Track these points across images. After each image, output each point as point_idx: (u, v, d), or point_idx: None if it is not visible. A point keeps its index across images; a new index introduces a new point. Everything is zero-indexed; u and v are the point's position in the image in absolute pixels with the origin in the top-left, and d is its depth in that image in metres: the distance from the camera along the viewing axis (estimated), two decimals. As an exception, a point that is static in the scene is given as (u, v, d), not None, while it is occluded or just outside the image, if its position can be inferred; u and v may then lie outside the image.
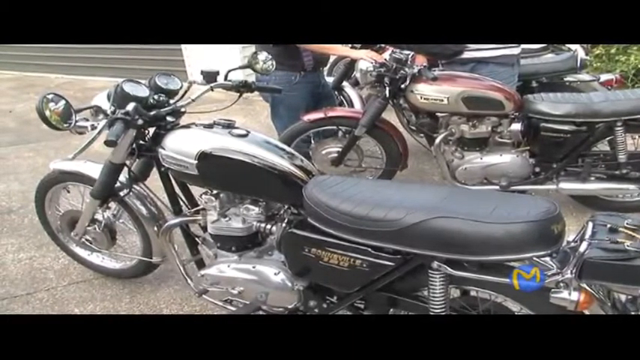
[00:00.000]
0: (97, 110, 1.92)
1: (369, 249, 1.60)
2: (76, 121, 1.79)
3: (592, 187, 2.90)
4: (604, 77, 3.91)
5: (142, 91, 1.98)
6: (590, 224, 1.43)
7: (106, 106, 1.93)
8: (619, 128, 2.74)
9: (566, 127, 2.78)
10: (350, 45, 4.07)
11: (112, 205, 2.42)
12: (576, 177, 2.91)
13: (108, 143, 1.73)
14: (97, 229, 2.45)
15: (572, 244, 1.42)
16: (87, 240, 2.55)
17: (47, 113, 1.70)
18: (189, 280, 2.26)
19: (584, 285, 1.34)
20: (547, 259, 1.43)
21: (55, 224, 2.75)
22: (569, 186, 2.92)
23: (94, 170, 2.30)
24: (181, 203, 2.19)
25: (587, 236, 1.38)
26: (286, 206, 1.93)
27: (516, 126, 2.90)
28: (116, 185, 2.26)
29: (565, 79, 3.83)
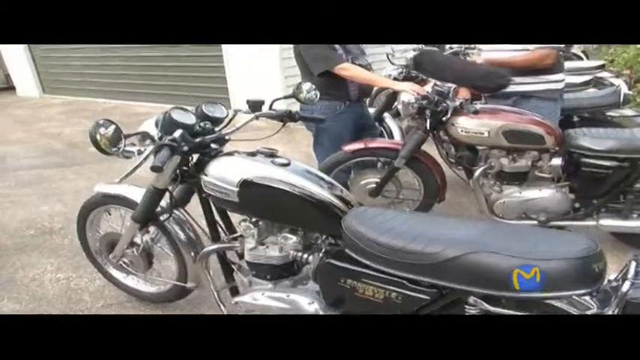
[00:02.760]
0: (145, 136, 1.98)
1: (405, 282, 1.59)
2: (125, 146, 1.84)
3: (634, 224, 2.82)
4: (648, 113, 3.82)
5: (189, 119, 2.03)
6: (634, 263, 1.40)
7: (154, 132, 1.98)
8: (663, 165, 2.67)
9: (607, 163, 2.72)
10: (393, 77, 4.10)
11: (152, 229, 2.45)
12: (618, 214, 2.84)
13: (154, 169, 1.77)
14: (135, 252, 2.48)
15: (614, 284, 1.39)
16: (124, 262, 2.59)
17: (98, 137, 1.75)
18: (222, 307, 2.26)
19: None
20: (587, 297, 1.40)
21: (94, 246, 2.80)
22: (610, 223, 2.85)
23: (137, 194, 2.35)
24: (220, 230, 2.21)
25: (629, 276, 1.35)
26: (324, 236, 1.93)
27: (557, 161, 2.85)
28: (157, 210, 2.31)
29: (607, 114, 3.78)
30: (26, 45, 10.42)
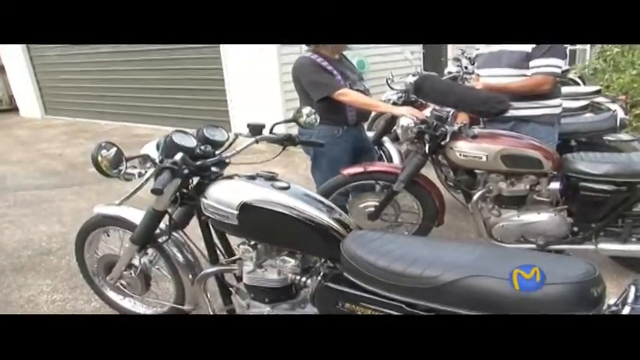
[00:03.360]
0: (146, 158, 1.98)
1: (403, 305, 1.58)
2: (126, 169, 1.85)
3: (633, 248, 2.81)
4: (644, 137, 3.86)
5: (190, 142, 2.06)
6: (633, 288, 1.39)
7: (155, 155, 1.99)
8: (660, 189, 2.68)
9: (605, 187, 2.73)
10: (392, 101, 4.13)
11: (150, 251, 2.46)
12: (616, 237, 2.84)
13: (154, 191, 1.78)
14: (133, 274, 2.47)
15: (614, 308, 1.38)
16: (121, 284, 2.58)
17: (99, 159, 1.77)
18: (220, 330, 2.25)
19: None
20: None
21: (91, 267, 2.78)
22: (608, 247, 2.84)
23: (136, 216, 2.36)
24: (218, 252, 2.21)
25: (629, 300, 1.35)
26: (322, 259, 1.94)
27: (555, 185, 2.87)
28: (156, 232, 2.31)
29: (604, 138, 3.81)
30: (30, 65, 10.51)
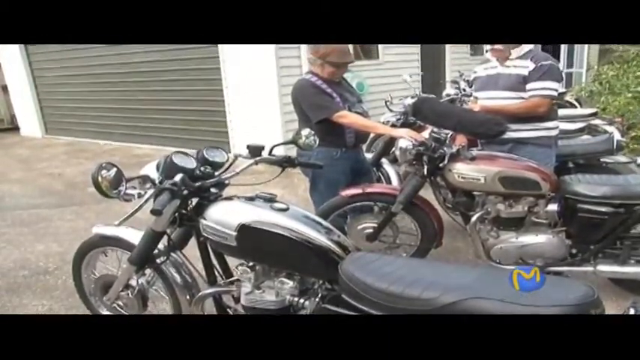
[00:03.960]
0: (145, 179, 1.99)
1: None
2: (126, 189, 1.86)
3: (631, 270, 2.80)
4: (641, 160, 3.87)
5: (190, 163, 2.07)
6: (632, 310, 1.39)
7: (155, 175, 2.01)
8: (658, 211, 2.69)
9: (603, 209, 2.74)
10: (391, 123, 4.16)
11: (148, 271, 2.44)
12: (615, 259, 2.83)
13: (154, 212, 1.79)
14: (130, 294, 2.46)
15: None
16: (118, 305, 2.56)
17: (99, 180, 1.78)
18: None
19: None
20: None
21: (88, 287, 2.77)
22: (607, 268, 2.84)
23: (135, 236, 2.35)
24: (216, 274, 2.21)
25: None
26: (321, 281, 1.94)
27: (553, 206, 2.87)
28: (154, 252, 2.30)
29: (602, 160, 3.83)
30: (32, 84, 10.57)
